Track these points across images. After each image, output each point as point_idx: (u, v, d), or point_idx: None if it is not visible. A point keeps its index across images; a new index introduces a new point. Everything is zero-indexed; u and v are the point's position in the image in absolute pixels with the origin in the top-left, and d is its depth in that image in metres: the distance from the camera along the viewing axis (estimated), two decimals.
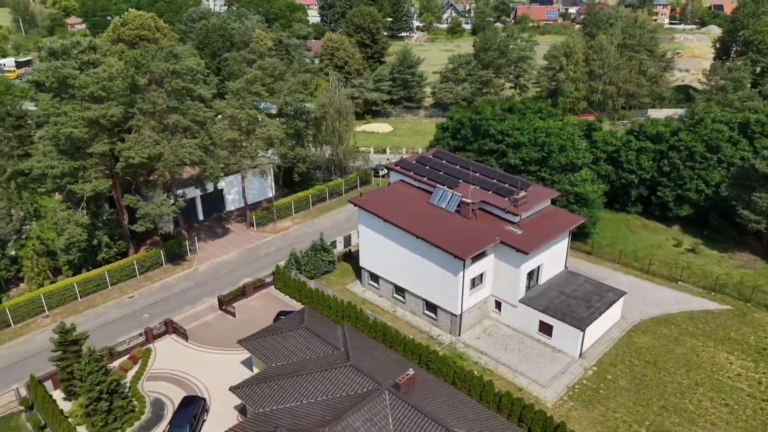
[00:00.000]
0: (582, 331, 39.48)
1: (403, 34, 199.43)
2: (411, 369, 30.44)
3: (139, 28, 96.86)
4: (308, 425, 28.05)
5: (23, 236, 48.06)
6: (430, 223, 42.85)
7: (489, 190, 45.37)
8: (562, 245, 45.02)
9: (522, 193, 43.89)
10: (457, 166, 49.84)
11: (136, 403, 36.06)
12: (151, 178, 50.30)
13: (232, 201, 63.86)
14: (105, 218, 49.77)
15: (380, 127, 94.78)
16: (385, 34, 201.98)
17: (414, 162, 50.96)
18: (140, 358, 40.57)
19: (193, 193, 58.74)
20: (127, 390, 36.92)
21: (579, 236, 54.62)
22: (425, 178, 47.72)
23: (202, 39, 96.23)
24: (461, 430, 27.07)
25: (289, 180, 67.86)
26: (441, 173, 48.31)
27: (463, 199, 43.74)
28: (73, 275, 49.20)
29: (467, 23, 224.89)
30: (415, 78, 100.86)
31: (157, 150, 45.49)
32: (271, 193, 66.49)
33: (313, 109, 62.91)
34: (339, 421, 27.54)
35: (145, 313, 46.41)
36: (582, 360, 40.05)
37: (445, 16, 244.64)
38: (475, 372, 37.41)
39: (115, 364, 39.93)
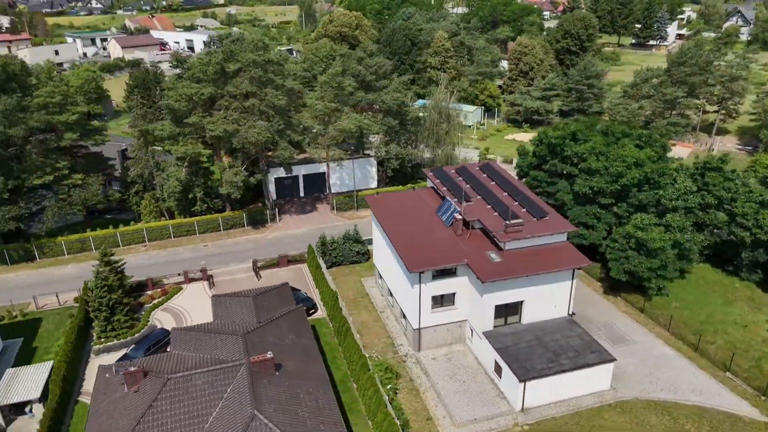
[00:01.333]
0: (522, 382, 35.22)
1: (652, 42, 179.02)
2: (270, 353, 32.35)
3: (341, 26, 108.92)
4: (177, 368, 32.53)
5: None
6: (415, 231, 42.35)
7: (496, 211, 42.39)
8: (562, 287, 39.67)
9: (517, 220, 40.17)
10: (493, 182, 47.31)
11: (136, 323, 45.10)
12: (238, 153, 59.40)
13: (333, 184, 70.07)
14: (202, 179, 60.42)
15: (529, 136, 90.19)
16: (632, 42, 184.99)
17: (451, 171, 49.92)
18: (169, 293, 49.79)
19: (297, 171, 66.84)
20: (139, 313, 46.40)
21: (638, 289, 46.50)
22: (445, 188, 46.65)
23: (387, 38, 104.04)
24: (262, 415, 28.41)
25: (398, 174, 70.98)
26: (466, 186, 46.63)
27: (456, 215, 41.99)
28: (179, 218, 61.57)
29: (744, 34, 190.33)
30: (593, 90, 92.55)
31: (232, 127, 53.96)
32: (373, 183, 70.75)
33: (412, 110, 64.83)
34: (192, 371, 31.45)
35: (203, 260, 55.91)
36: (520, 414, 35.72)
37: (726, 24, 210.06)
38: (397, 390, 37.01)
39: (149, 292, 49.88)
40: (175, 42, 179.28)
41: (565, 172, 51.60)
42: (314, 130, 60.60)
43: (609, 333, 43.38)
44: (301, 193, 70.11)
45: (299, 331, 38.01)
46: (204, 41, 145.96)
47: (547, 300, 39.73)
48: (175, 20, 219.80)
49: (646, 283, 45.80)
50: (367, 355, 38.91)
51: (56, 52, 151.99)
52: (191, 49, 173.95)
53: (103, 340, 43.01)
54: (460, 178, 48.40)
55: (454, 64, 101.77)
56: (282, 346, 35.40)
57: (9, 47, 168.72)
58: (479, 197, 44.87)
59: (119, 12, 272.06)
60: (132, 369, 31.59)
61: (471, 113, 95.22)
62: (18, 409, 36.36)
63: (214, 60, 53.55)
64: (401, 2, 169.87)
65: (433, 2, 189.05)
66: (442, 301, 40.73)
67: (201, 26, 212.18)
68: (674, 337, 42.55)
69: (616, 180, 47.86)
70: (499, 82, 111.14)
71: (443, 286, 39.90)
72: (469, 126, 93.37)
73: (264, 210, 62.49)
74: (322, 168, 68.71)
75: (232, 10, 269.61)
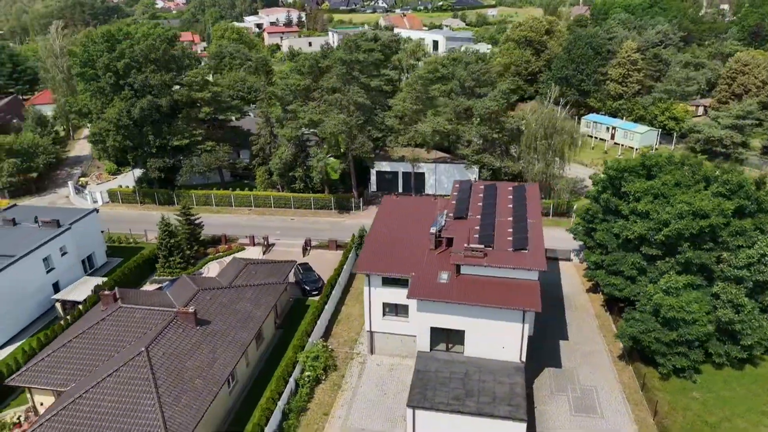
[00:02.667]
0: (410, 408, 33.62)
1: None
2: (192, 308, 37.33)
3: (528, 30, 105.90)
4: (140, 302, 39.93)
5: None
6: (397, 237, 42.49)
7: (477, 234, 39.73)
8: (510, 328, 35.71)
9: (478, 246, 37.35)
10: (510, 205, 43.94)
11: (191, 266, 54.50)
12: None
13: (431, 186, 70.85)
14: (303, 161, 67.66)
15: None
16: None
17: (479, 186, 47.55)
18: (231, 249, 58.41)
19: (396, 168, 69.79)
20: (198, 260, 55.93)
21: (653, 363, 38.44)
22: (454, 201, 44.95)
23: (568, 45, 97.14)
24: (149, 354, 33.73)
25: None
26: (475, 204, 44.31)
27: (431, 229, 40.70)
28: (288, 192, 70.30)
29: None
30: None
31: (317, 117, 59.75)
32: None
33: (509, 119, 61.58)
34: (140, 307, 38.58)
35: (278, 230, 63.35)
36: None
37: None
38: (320, 380, 38.81)
39: (219, 246, 59.05)
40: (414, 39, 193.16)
41: (618, 208, 44.47)
42: (395, 130, 62.67)
43: (581, 398, 37.31)
44: (400, 190, 72.62)
45: (259, 302, 42.18)
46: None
47: (492, 337, 36.31)
48: (424, 19, 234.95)
49: (657, 358, 37.71)
50: (311, 341, 41.19)
51: (309, 44, 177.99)
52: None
53: (159, 273, 53.55)
54: (480, 195, 45.97)
55: (639, 78, 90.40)
56: (226, 308, 40.18)
57: (281, 37, 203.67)
58: (478, 216, 42.41)
59: (397, 11, 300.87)
60: (107, 293, 40.11)
61: (641, 135, 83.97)
62: (73, 305, 48.48)
63: (311, 56, 59.80)
64: (648, 7, 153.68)
65: (690, 10, 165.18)
66: (396, 310, 40.38)
67: (446, 26, 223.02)
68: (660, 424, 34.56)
69: (660, 228, 39.86)
70: (704, 102, 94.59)
71: (395, 295, 39.51)
72: (635, 148, 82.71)
73: (350, 198, 67.19)
74: (423, 168, 70.22)
75: (494, 11, 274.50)
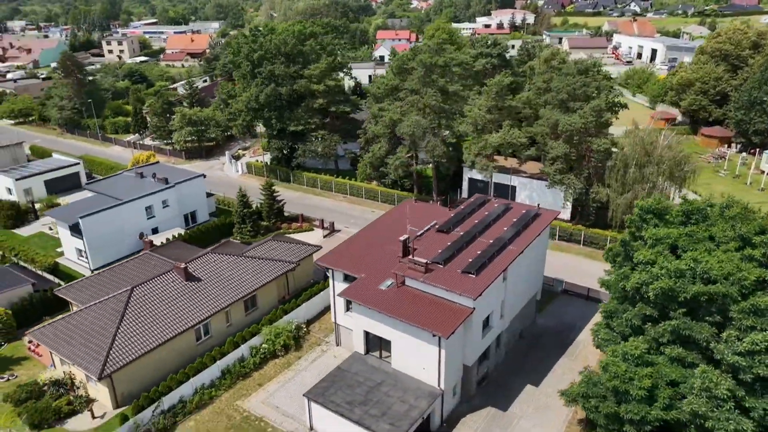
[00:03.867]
0: (306, 398, 34.83)
1: None
2: (183, 264, 43.44)
3: (726, 42, 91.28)
4: (175, 257, 48.03)
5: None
6: (378, 237, 43.02)
7: (441, 249, 38.18)
8: (428, 351, 34.19)
9: (421, 260, 36.11)
10: (505, 228, 40.82)
11: (261, 235, 61.56)
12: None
13: (520, 199, 66.72)
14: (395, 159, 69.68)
15: None
16: None
17: (494, 205, 44.78)
18: (301, 228, 63.95)
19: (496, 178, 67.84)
20: (271, 232, 62.83)
21: None
22: (452, 214, 43.28)
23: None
24: (133, 294, 40.92)
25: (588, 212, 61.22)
26: (472, 220, 42.12)
27: (401, 237, 40.16)
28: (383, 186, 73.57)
29: None
30: None
31: (396, 117, 61.61)
32: (565, 214, 63.72)
33: (597, 143, 54.68)
34: (166, 260, 46.52)
35: (353, 219, 66.93)
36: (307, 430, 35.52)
37: None
38: (276, 353, 42.11)
39: (294, 225, 65.09)
40: (629, 47, 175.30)
41: (633, 254, 37.79)
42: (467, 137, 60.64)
43: None
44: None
45: (259, 273, 46.65)
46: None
47: (413, 355, 35.27)
48: (666, 25, 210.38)
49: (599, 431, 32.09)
50: (286, 319, 44.36)
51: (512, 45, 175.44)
52: (639, 56, 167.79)
53: (234, 237, 61.81)
54: (486, 213, 43.38)
55: None
56: (223, 272, 45.63)
57: None
58: (461, 233, 40.45)
59: (649, 15, 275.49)
60: (147, 239, 48.97)
61: None
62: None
63: (399, 57, 61.58)
64: None
65: None
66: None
67: (686, 34, 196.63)
68: None
69: (650, 283, 33.30)
70: None
71: None
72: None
73: (429, 201, 67.36)
74: (515, 181, 66.71)
75: (766, 18, 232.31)
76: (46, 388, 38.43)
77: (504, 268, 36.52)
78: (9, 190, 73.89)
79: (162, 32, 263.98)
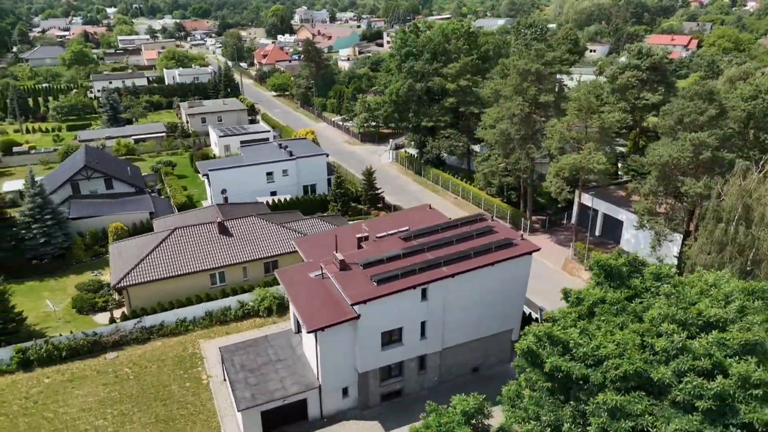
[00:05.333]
0: (220, 350, 39.18)
1: None
2: (220, 219, 51.11)
3: None
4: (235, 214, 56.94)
5: None
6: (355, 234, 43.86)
7: (379, 256, 37.76)
8: (312, 342, 35.14)
9: (341, 258, 36.54)
10: (458, 250, 37.88)
11: (348, 216, 66.50)
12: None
13: (627, 240, 56.93)
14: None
15: None
16: None
17: (467, 221, 41.24)
18: (377, 214, 66.47)
19: (599, 206, 59.71)
20: (361, 215, 67.19)
21: None
22: (423, 225, 41.32)
23: None
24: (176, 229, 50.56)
25: None
26: (440, 233, 39.92)
27: (359, 234, 40.61)
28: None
29: None
30: None
31: (490, 122, 59.18)
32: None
33: (692, 186, 43.50)
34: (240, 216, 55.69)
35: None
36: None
37: None
38: (260, 313, 47.33)
39: (381, 213, 67.82)
40: None
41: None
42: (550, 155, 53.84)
43: None
44: (597, 232, 61.07)
45: (285, 242, 51.96)
46: None
47: (308, 345, 36.65)
48: None
49: None
50: (280, 287, 48.65)
51: None
52: None
53: (329, 212, 68.06)
54: (461, 229, 40.39)
55: None
56: (257, 234, 52.17)
57: None
58: (415, 243, 38.93)
59: None
60: (224, 194, 58.58)
61: None
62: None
63: (509, 61, 58.55)
64: None
65: None
66: None
67: None
68: None
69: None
70: None
71: None
72: None
73: (521, 215, 62.57)
74: (622, 215, 57.34)
75: None
76: (101, 286, 50.98)
77: (414, 286, 34.55)
78: (214, 144, 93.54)
79: None
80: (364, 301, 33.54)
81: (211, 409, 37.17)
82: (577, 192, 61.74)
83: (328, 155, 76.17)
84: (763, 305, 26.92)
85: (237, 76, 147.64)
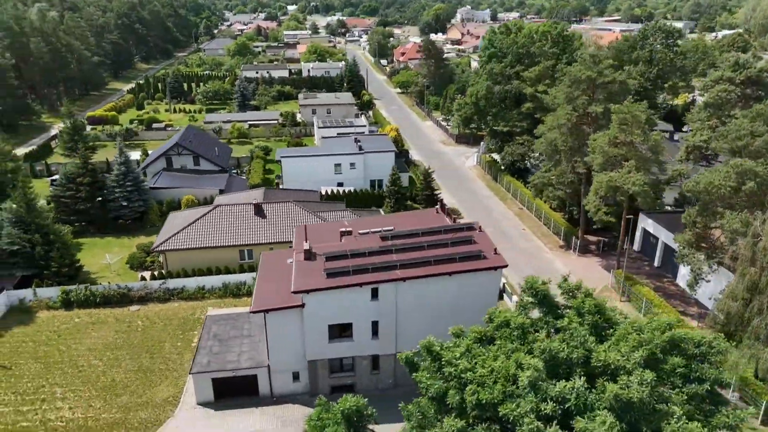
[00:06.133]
0: (206, 317, 42.62)
1: None
2: (257, 202, 54.86)
3: None
4: (275, 199, 60.72)
5: None
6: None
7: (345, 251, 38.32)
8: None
9: (307, 247, 37.78)
10: (421, 255, 37.00)
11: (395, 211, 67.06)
12: None
13: (682, 276, 50.18)
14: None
15: None
16: None
17: (454, 228, 39.54)
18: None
19: (659, 232, 53.37)
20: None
21: None
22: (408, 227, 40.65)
23: None
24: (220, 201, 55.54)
25: None
26: (420, 237, 39.23)
27: (342, 228, 41.30)
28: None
29: None
30: None
31: (540, 132, 55.77)
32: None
33: (731, 221, 37.11)
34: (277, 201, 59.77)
35: (490, 228, 63.66)
36: None
37: None
38: None
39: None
40: None
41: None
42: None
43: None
44: (656, 263, 54.36)
45: None
46: None
47: None
48: None
49: None
50: None
51: None
52: None
53: (385, 209, 69.19)
54: (440, 237, 39.19)
55: None
56: (289, 217, 55.24)
57: None
58: (389, 244, 38.76)
59: None
60: (278, 180, 62.53)
61: None
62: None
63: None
64: None
65: None
66: None
67: None
68: None
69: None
70: None
71: None
72: None
73: (575, 233, 57.94)
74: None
75: None
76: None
77: (361, 284, 34.63)
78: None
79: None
80: (307, 291, 34.50)
81: (185, 369, 40.81)
82: (641, 216, 55.92)
83: (395, 152, 77.02)
84: (681, 361, 23.42)
85: (375, 73, 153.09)
